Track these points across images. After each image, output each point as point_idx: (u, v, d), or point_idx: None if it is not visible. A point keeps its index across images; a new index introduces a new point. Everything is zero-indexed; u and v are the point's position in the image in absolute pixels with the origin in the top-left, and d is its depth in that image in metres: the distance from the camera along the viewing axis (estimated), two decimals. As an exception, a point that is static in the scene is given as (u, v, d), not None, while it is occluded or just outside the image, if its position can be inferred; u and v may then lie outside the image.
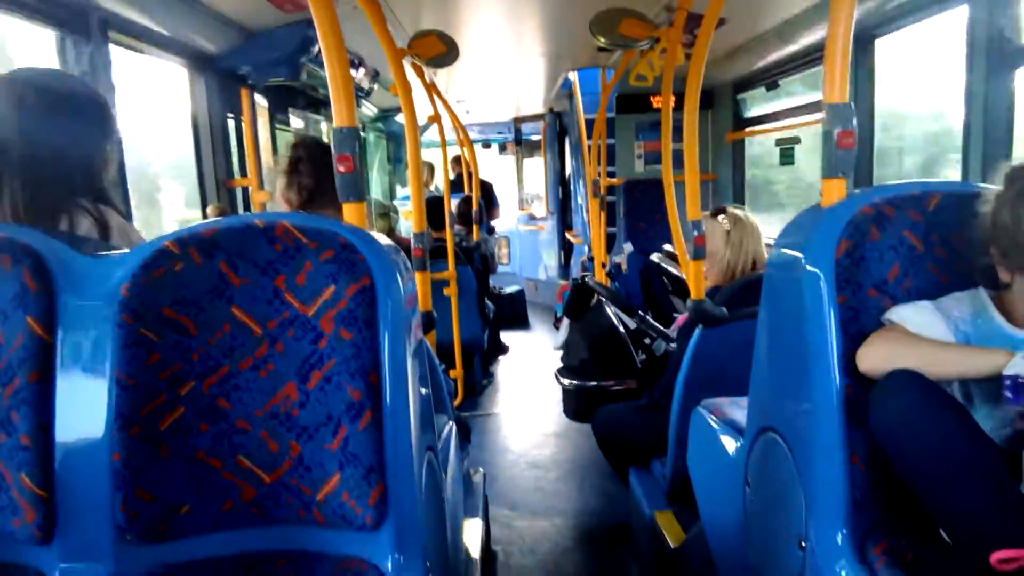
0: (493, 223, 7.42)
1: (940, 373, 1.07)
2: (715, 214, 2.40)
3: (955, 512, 1.01)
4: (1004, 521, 0.96)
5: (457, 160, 6.98)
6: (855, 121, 1.25)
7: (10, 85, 1.35)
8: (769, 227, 2.59)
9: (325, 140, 4.90)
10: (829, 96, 1.26)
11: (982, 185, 1.27)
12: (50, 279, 1.11)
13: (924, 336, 1.13)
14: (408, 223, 3.55)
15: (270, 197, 3.39)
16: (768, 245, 1.82)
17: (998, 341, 1.12)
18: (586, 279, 3.36)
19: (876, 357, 1.13)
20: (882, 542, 1.14)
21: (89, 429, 1.09)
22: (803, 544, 1.23)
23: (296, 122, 4.43)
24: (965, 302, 1.18)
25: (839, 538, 1.16)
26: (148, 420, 1.10)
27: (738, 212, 2.39)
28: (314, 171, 1.90)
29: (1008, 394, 1.01)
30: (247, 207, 3.42)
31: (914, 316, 1.16)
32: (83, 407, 1.09)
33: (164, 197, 3.83)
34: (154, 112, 3.29)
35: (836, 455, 1.17)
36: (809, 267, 1.23)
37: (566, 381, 3.21)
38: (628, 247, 4.64)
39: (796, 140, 3.83)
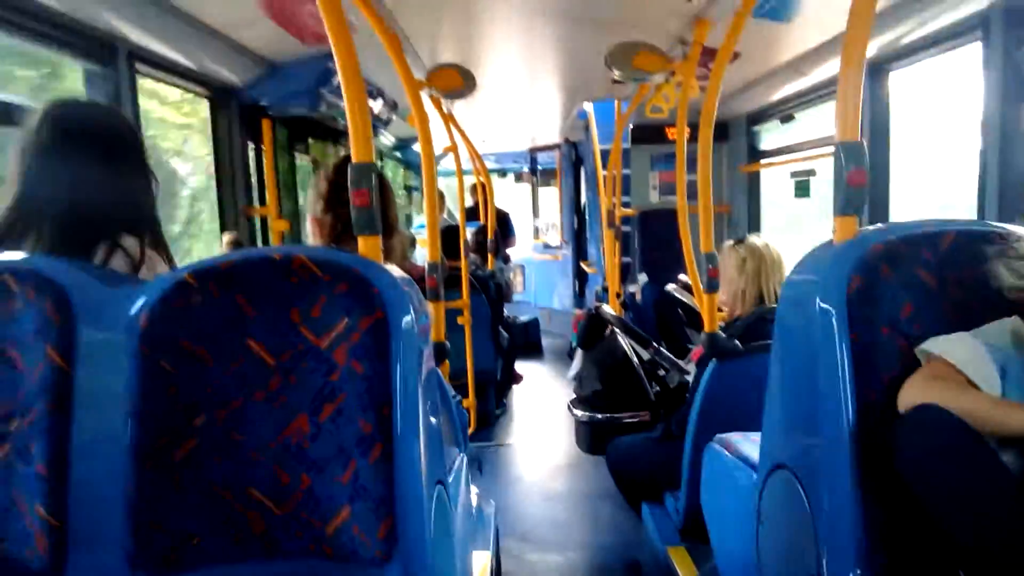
0: (508, 252, 7.45)
1: (981, 428, 1.05)
2: (737, 244, 2.40)
3: (981, 552, 0.99)
4: None
5: (473, 189, 7.03)
6: (867, 159, 1.25)
7: (44, 117, 1.38)
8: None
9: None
10: (841, 134, 1.27)
11: (998, 224, 1.26)
12: (71, 311, 1.13)
13: (965, 381, 1.11)
14: (423, 251, 3.58)
15: (288, 227, 3.43)
16: None
17: None
18: (600, 309, 3.36)
19: (918, 402, 1.10)
20: None
21: (105, 460, 1.10)
22: (817, 584, 1.21)
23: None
24: (1006, 332, 1.16)
25: (852, 579, 1.14)
26: (163, 451, 1.11)
27: (757, 242, 2.39)
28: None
29: None
30: (265, 235, 3.47)
31: (956, 350, 1.14)
32: (100, 437, 1.11)
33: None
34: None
35: (849, 494, 1.15)
36: (821, 303, 1.23)
37: (579, 412, 3.19)
38: (643, 278, 4.64)
39: (811, 172, 3.83)
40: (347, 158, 1.90)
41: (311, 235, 1.82)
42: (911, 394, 1.13)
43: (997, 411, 1.07)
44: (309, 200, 1.84)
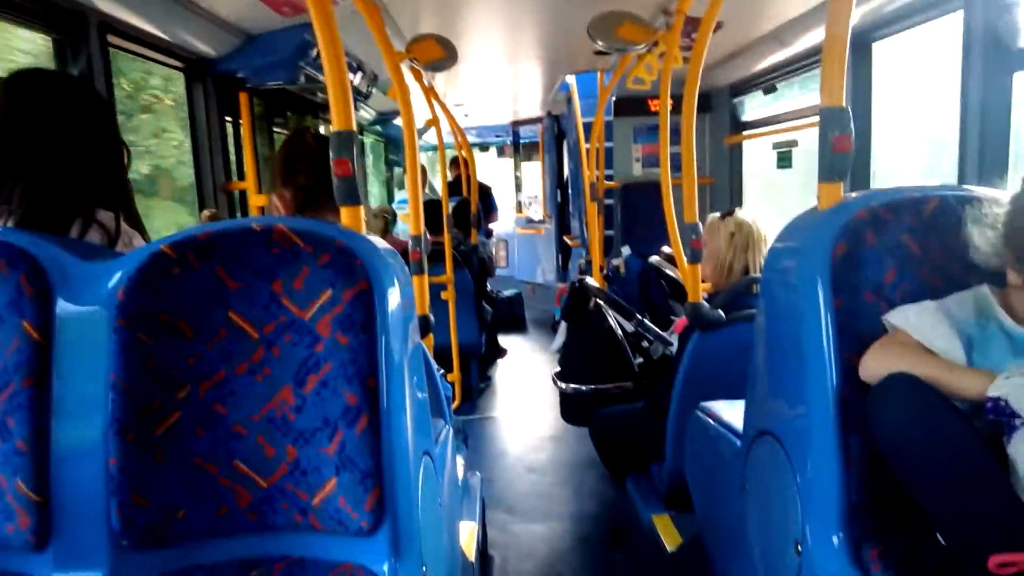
0: (491, 226, 7.43)
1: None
2: (724, 216, 2.40)
3: (954, 515, 1.01)
4: (1003, 525, 0.96)
5: (455, 163, 6.98)
6: (852, 125, 1.25)
7: (10, 88, 1.34)
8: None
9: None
10: (826, 100, 1.26)
11: (979, 189, 1.27)
12: (47, 283, 1.10)
13: (923, 348, 1.13)
14: (405, 226, 3.56)
15: (268, 200, 3.39)
16: None
17: (1001, 339, 1.12)
18: (584, 282, 3.36)
19: (876, 370, 1.13)
20: (878, 546, 1.14)
21: (85, 434, 1.09)
22: (799, 548, 1.23)
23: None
24: (969, 302, 1.18)
25: (835, 542, 1.16)
26: (144, 425, 1.10)
27: (745, 217, 2.39)
28: (311, 169, 1.69)
29: (990, 415, 1.02)
30: (244, 210, 3.43)
31: (917, 320, 1.16)
32: (79, 412, 1.09)
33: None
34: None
35: (832, 458, 1.17)
36: (806, 270, 1.23)
37: (563, 385, 3.20)
38: (626, 250, 4.65)
39: (793, 144, 3.83)
40: (298, 130, 1.88)
41: (276, 212, 1.75)
42: (870, 362, 1.15)
43: (952, 376, 1.09)
44: (268, 178, 1.78)
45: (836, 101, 1.25)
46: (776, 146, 3.96)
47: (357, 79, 4.05)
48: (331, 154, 1.27)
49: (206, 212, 3.07)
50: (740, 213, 2.40)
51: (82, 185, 1.35)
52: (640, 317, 2.84)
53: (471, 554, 2.11)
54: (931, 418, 1.03)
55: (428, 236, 2.51)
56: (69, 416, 1.09)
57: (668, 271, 3.66)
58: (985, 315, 1.16)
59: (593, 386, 3.06)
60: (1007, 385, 1.02)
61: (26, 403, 1.08)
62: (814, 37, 3.11)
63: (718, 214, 2.43)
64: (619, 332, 2.96)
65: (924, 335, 1.14)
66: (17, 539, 1.09)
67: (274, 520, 1.14)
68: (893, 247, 1.23)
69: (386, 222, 4.74)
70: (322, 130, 4.95)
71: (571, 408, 3.30)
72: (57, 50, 2.23)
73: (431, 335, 2.38)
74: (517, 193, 8.82)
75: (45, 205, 1.30)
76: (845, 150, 1.25)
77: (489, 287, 6.18)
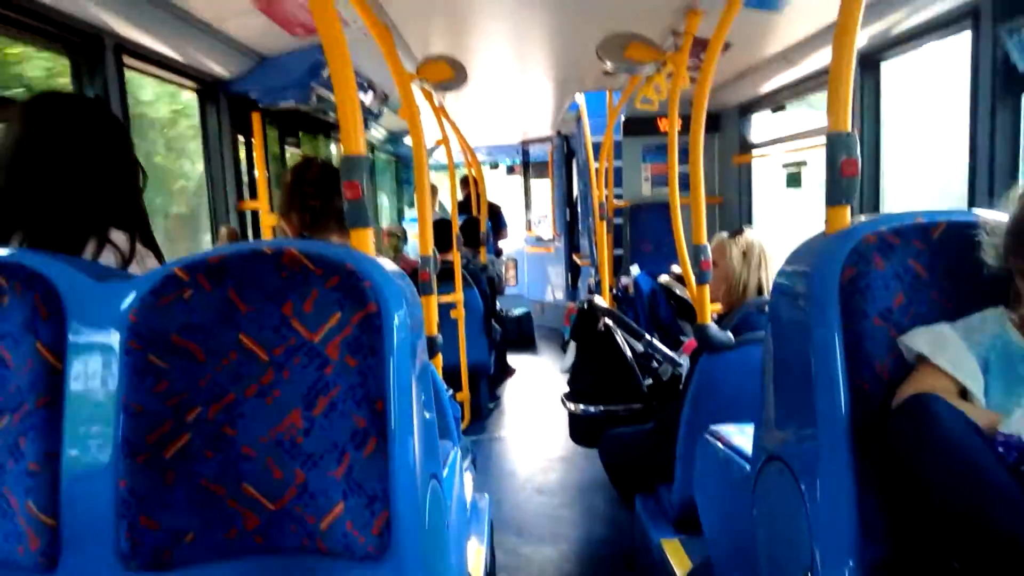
0: (500, 244, 7.44)
1: None
2: (734, 235, 2.40)
3: (972, 541, 1.00)
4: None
5: (465, 182, 7.02)
6: (858, 149, 1.25)
7: (28, 111, 1.36)
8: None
9: (335, 163, 4.95)
10: (832, 124, 1.27)
11: (988, 212, 1.26)
12: (60, 305, 1.11)
13: (951, 382, 1.13)
14: (415, 243, 3.59)
15: (279, 220, 3.42)
16: None
17: (1019, 362, 1.12)
18: (593, 302, 3.36)
19: None
20: (889, 573, 1.12)
21: (96, 456, 1.09)
22: (809, 574, 1.21)
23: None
24: (984, 324, 1.17)
25: (846, 570, 1.15)
26: (154, 447, 1.10)
27: (753, 237, 2.39)
28: (319, 193, 1.84)
29: (1000, 449, 1.02)
30: (256, 229, 3.45)
31: (941, 348, 1.15)
32: (90, 433, 1.10)
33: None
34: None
35: (842, 485, 1.16)
36: (814, 294, 1.23)
37: (572, 405, 3.19)
38: (635, 270, 4.65)
39: (803, 164, 3.83)
40: (306, 161, 1.99)
41: (283, 235, 1.97)
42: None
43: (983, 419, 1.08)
44: (277, 201, 1.98)
45: (842, 126, 1.26)
46: (786, 166, 3.96)
47: (368, 99, 4.09)
48: (341, 177, 1.28)
49: (224, 229, 3.10)
50: (749, 232, 2.40)
51: (96, 206, 1.36)
52: (649, 337, 2.84)
53: (479, 576, 2.10)
54: (959, 439, 1.02)
55: (437, 255, 2.53)
56: (80, 437, 1.10)
57: (677, 291, 3.66)
58: (1000, 338, 1.15)
59: (602, 407, 3.05)
60: (1018, 424, 1.01)
61: (39, 424, 1.09)
62: (822, 57, 3.12)
63: (726, 233, 2.43)
64: (628, 353, 2.96)
65: (955, 368, 1.14)
66: (27, 560, 1.09)
67: (281, 543, 1.14)
68: (901, 271, 1.22)
69: (398, 241, 4.77)
70: (333, 149, 4.99)
71: (580, 429, 3.29)
72: (74, 71, 2.27)
73: (440, 354, 2.39)
74: (527, 212, 8.85)
75: (59, 225, 1.32)
76: (851, 174, 1.25)
77: (498, 306, 6.19)
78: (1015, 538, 0.96)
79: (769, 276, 2.35)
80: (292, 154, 4.17)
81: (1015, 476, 1.00)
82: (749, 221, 4.60)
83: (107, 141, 1.41)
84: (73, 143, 1.35)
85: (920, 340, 1.18)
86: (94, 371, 1.11)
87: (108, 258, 1.34)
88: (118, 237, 1.36)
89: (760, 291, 2.35)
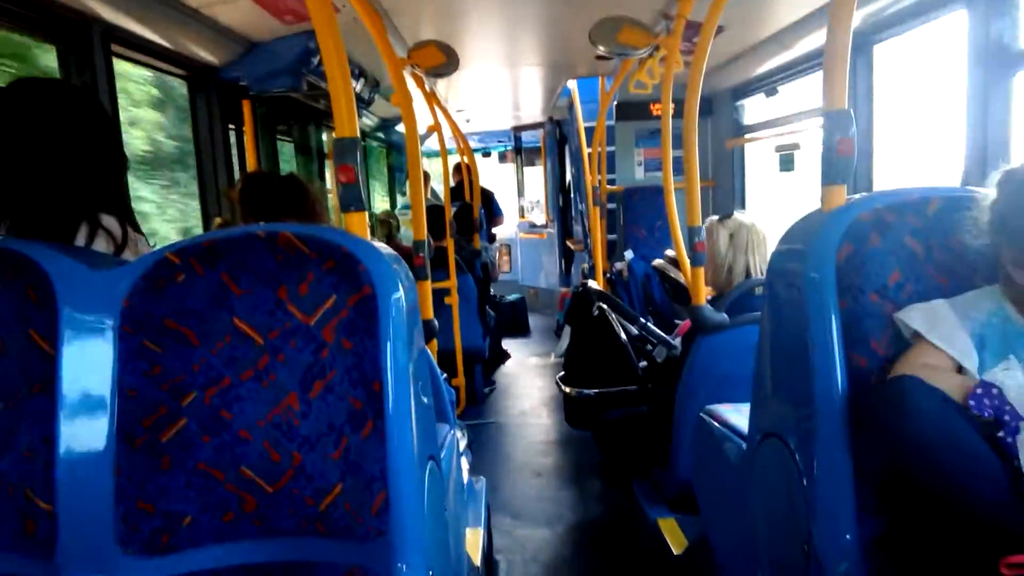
0: (494, 231, 7.43)
1: None
2: (723, 219, 2.41)
3: (964, 516, 1.01)
4: (1016, 526, 0.96)
5: (457, 168, 7.00)
6: (854, 128, 1.25)
7: (12, 97, 1.35)
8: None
9: (326, 150, 4.93)
10: (828, 103, 1.27)
11: (982, 190, 1.27)
12: (52, 292, 1.11)
13: (946, 360, 1.14)
14: (409, 231, 3.57)
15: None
16: None
17: (1015, 339, 1.12)
18: (587, 286, 3.36)
19: None
20: (886, 547, 1.13)
21: (92, 441, 1.09)
22: (807, 549, 1.22)
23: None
24: (982, 301, 1.18)
25: (843, 543, 1.16)
26: (150, 432, 1.10)
27: (743, 219, 2.39)
28: (260, 208, 1.86)
29: (972, 403, 1.05)
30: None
31: (935, 324, 1.16)
32: (86, 419, 1.10)
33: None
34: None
35: (839, 460, 1.17)
36: (810, 272, 1.23)
37: (568, 388, 3.20)
38: (629, 254, 4.65)
39: (796, 147, 3.83)
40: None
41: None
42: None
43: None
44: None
45: (838, 104, 1.26)
46: (779, 149, 3.96)
47: (359, 86, 4.06)
48: (335, 160, 1.27)
49: (217, 220, 3.08)
50: (739, 215, 2.41)
51: (83, 192, 1.35)
52: (644, 321, 2.84)
53: (477, 559, 2.11)
54: (950, 420, 1.03)
55: (432, 241, 2.52)
56: (76, 423, 1.10)
57: (671, 274, 3.66)
58: (997, 314, 1.16)
59: (597, 390, 3.06)
60: (1003, 375, 1.02)
61: (33, 411, 1.08)
62: (815, 40, 3.12)
63: (716, 217, 2.44)
64: (623, 336, 2.97)
65: (950, 344, 1.14)
66: (24, 545, 1.09)
67: (280, 526, 1.14)
68: (897, 248, 1.23)
69: (391, 228, 4.75)
70: (324, 137, 4.97)
71: (576, 412, 3.30)
72: (61, 59, 2.24)
73: (435, 340, 2.39)
74: (520, 198, 8.83)
75: (46, 213, 1.31)
76: (847, 153, 1.25)
77: (492, 292, 6.19)
78: (1003, 517, 0.97)
79: (760, 258, 2.36)
80: (283, 141, 4.14)
81: (994, 448, 1.01)
82: (742, 204, 4.60)
83: (92, 128, 1.40)
84: (57, 130, 1.34)
85: (915, 317, 1.18)
86: (88, 357, 1.11)
87: (100, 244, 1.33)
88: (110, 222, 1.35)
89: (748, 274, 2.36)
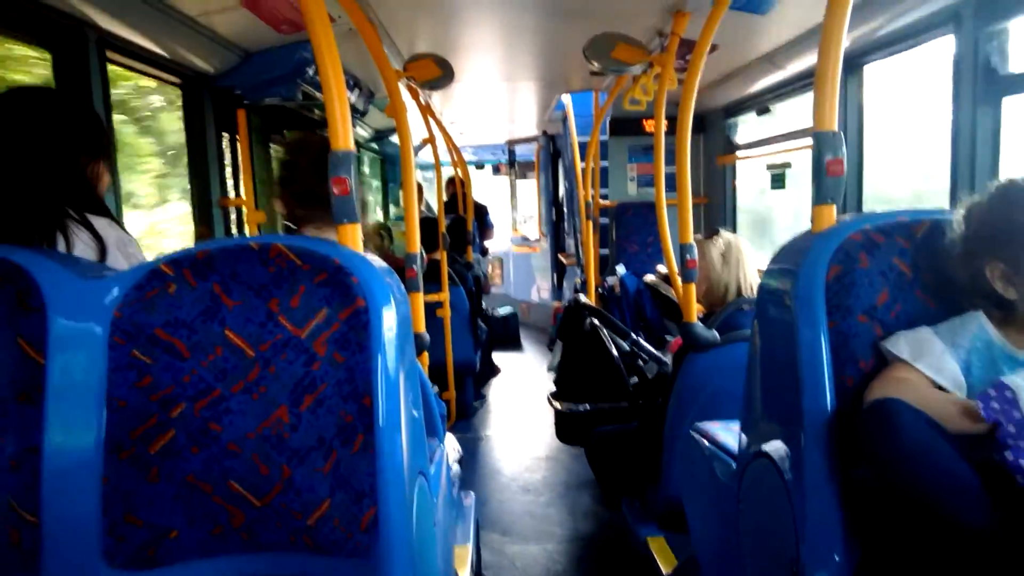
0: (487, 244, 7.44)
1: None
2: (709, 236, 2.42)
3: (953, 540, 1.01)
4: (1001, 546, 0.96)
5: (451, 181, 7.01)
6: (844, 149, 1.26)
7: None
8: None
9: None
10: (819, 124, 1.28)
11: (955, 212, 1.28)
12: (41, 300, 1.10)
13: (925, 380, 1.14)
14: (402, 243, 3.57)
15: (264, 218, 3.40)
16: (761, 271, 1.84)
17: (1001, 364, 1.13)
18: (579, 301, 3.36)
19: None
20: (874, 569, 1.13)
21: (78, 452, 1.08)
22: (795, 571, 1.22)
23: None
24: (964, 327, 1.19)
25: (831, 565, 1.16)
26: (138, 443, 1.09)
27: (731, 236, 2.41)
28: (311, 177, 1.67)
29: (978, 401, 1.03)
30: (240, 226, 3.43)
31: (916, 349, 1.17)
32: (73, 429, 1.09)
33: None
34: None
35: (827, 481, 1.17)
36: (800, 292, 1.24)
37: (559, 404, 3.20)
38: (621, 269, 4.67)
39: (787, 165, 3.86)
40: (305, 137, 1.91)
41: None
42: (877, 395, 1.15)
43: (953, 412, 1.08)
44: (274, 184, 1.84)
45: (829, 125, 1.27)
46: (770, 167, 3.99)
47: (354, 97, 4.07)
48: (329, 173, 1.27)
49: (201, 229, 3.08)
50: (725, 233, 2.43)
51: (61, 196, 1.36)
52: (635, 336, 2.84)
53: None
54: (932, 441, 1.03)
55: (424, 254, 2.52)
56: (62, 433, 1.09)
57: (663, 290, 3.68)
58: (980, 338, 1.16)
59: (588, 405, 3.06)
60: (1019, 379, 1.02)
61: (19, 420, 1.07)
62: (808, 60, 3.15)
63: (700, 236, 2.45)
64: (614, 351, 2.97)
65: (928, 368, 1.15)
66: (8, 558, 1.07)
67: (268, 540, 1.13)
68: (885, 269, 1.24)
69: (383, 240, 4.75)
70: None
71: (567, 427, 3.29)
72: (56, 67, 2.24)
73: (426, 353, 2.38)
74: (513, 212, 8.85)
75: (27, 219, 1.31)
76: (838, 173, 1.26)
77: (484, 305, 6.18)
78: (988, 538, 0.97)
79: (746, 275, 2.37)
80: (277, 151, 4.14)
81: (981, 470, 1.01)
82: (733, 221, 4.63)
83: (82, 135, 1.42)
84: (44, 137, 1.36)
85: (902, 345, 1.19)
86: (76, 366, 1.10)
87: (81, 248, 1.33)
88: (89, 223, 1.36)
89: (739, 291, 2.37)
